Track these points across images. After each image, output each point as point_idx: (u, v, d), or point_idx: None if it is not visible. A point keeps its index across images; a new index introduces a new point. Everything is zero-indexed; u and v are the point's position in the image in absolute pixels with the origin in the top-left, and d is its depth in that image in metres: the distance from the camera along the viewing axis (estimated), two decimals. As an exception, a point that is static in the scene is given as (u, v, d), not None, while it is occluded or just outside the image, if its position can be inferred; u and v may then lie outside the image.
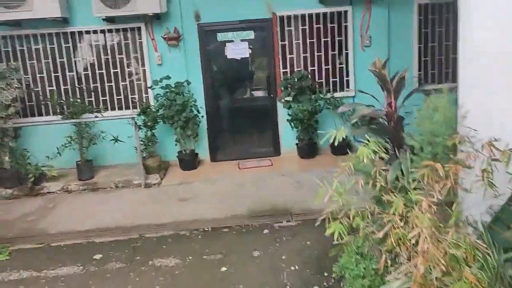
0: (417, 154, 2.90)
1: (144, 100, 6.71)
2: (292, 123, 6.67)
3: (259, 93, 7.19)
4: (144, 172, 6.23)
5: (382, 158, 2.88)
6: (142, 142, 6.32)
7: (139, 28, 6.62)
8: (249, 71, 7.11)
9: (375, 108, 4.26)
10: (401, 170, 2.92)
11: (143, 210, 5.33)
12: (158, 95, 6.53)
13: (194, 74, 6.69)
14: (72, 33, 6.62)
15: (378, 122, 4.23)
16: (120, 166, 6.82)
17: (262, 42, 6.86)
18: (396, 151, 3.75)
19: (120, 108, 6.87)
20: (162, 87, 6.51)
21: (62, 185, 6.20)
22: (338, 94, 6.84)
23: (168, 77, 6.51)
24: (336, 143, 2.67)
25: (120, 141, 6.30)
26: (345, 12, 6.69)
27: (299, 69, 6.74)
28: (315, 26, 6.73)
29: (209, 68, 6.78)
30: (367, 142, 2.64)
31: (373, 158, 2.62)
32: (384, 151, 2.72)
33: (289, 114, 6.70)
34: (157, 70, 6.69)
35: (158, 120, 6.47)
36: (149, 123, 6.30)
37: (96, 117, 6.40)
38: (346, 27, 6.78)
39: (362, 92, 4.88)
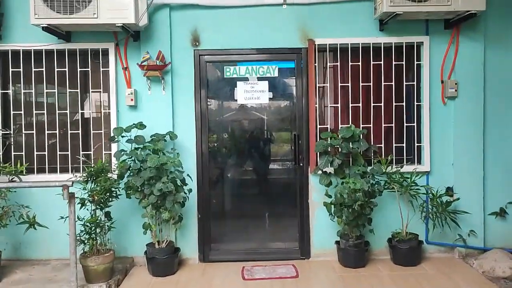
0: None
1: (103, 160, 4.39)
2: (332, 209, 4.32)
3: (281, 159, 4.93)
4: (84, 279, 3.91)
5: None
6: (84, 228, 3.97)
7: (105, 52, 4.55)
8: (268, 125, 4.89)
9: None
10: None
11: None
12: (124, 153, 4.32)
13: (184, 125, 4.56)
14: (4, 54, 4.58)
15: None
16: (53, 263, 4.48)
17: (290, 82, 4.73)
18: None
19: (64, 170, 4.57)
20: (129, 140, 4.32)
21: None
22: (404, 168, 4.49)
23: (141, 125, 4.31)
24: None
25: (38, 225, 3.89)
26: (419, 45, 4.60)
27: (347, 125, 4.53)
28: (372, 63, 4.57)
29: (207, 116, 4.64)
30: None
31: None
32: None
33: (328, 195, 4.38)
34: (128, 115, 4.55)
35: (117, 193, 4.19)
36: (98, 197, 3.97)
37: (12, 180, 4.17)
38: (419, 67, 4.63)
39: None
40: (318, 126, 4.60)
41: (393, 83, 4.58)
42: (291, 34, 4.56)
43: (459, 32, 4.51)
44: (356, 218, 4.23)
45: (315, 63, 4.53)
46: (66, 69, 4.55)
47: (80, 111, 4.61)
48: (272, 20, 4.56)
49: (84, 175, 4.02)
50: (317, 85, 4.58)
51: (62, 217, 3.91)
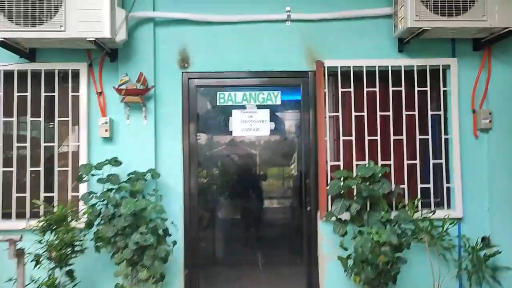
0: None
1: (69, 204, 3.57)
2: (349, 265, 3.56)
3: (285, 203, 4.14)
4: None
5: None
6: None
7: (76, 73, 3.84)
8: (268, 161, 4.16)
9: None
10: None
11: None
12: (94, 195, 3.53)
13: (169, 161, 3.83)
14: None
15: None
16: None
17: (294, 111, 4.04)
18: None
19: (21, 216, 3.73)
20: (101, 180, 3.53)
21: None
22: (427, 210, 3.71)
23: (116, 161, 3.58)
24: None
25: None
26: (445, 68, 3.97)
27: (364, 162, 3.81)
28: (391, 88, 3.92)
29: (197, 151, 3.90)
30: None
31: None
32: None
33: (344, 247, 3.58)
34: (102, 149, 3.81)
35: (83, 246, 3.41)
36: (56, 253, 3.18)
37: None
38: (446, 93, 3.99)
39: None
40: (329, 163, 3.89)
41: (416, 113, 3.90)
42: (296, 55, 3.92)
43: (491, 54, 3.90)
44: (378, 276, 3.50)
45: (324, 88, 3.88)
46: (28, 94, 3.80)
47: (43, 144, 3.82)
48: (274, 39, 3.93)
49: (40, 224, 3.27)
50: (327, 114, 3.91)
51: (10, 279, 3.15)
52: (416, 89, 3.91)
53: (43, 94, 3.82)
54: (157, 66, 3.88)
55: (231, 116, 3.96)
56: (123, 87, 3.68)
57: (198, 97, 3.98)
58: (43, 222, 3.20)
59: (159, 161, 3.85)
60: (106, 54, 3.75)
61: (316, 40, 3.94)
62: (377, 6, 3.92)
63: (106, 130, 3.74)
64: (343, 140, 3.91)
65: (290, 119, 4.09)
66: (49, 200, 3.78)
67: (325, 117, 3.89)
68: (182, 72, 3.91)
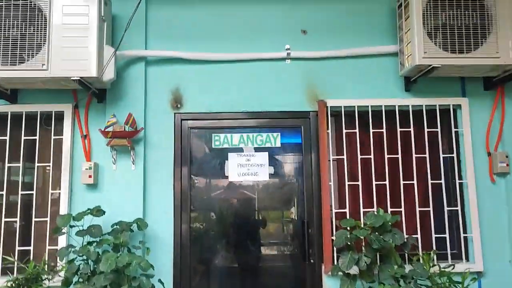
0: None
1: (44, 259, 3.22)
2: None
3: (286, 254, 3.71)
4: None
5: None
6: None
7: (60, 115, 3.58)
8: (268, 208, 3.76)
9: None
10: None
11: None
12: (72, 249, 3.14)
13: (158, 209, 3.50)
14: None
15: None
16: None
17: (296, 154, 3.73)
18: None
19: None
20: (81, 232, 3.17)
21: None
22: (445, 264, 3.26)
23: (98, 211, 3.22)
24: None
25: None
26: (455, 108, 3.74)
27: (372, 209, 3.49)
28: (399, 129, 3.66)
29: (189, 198, 3.56)
30: None
31: None
32: None
33: (352, 307, 3.26)
34: (85, 197, 3.49)
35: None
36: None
37: None
38: (458, 135, 3.73)
39: None
40: (334, 210, 3.60)
41: (426, 155, 3.62)
42: (296, 95, 3.68)
43: (504, 93, 3.68)
44: None
45: (327, 129, 3.61)
46: (7, 138, 3.53)
47: (20, 192, 3.51)
48: (273, 78, 3.71)
49: (9, 284, 2.90)
50: (331, 157, 3.62)
51: None
52: (426, 130, 3.66)
53: (23, 138, 3.53)
54: (147, 107, 3.64)
55: (227, 159, 3.71)
56: (109, 129, 3.40)
57: (192, 140, 3.70)
58: (12, 282, 2.83)
59: (148, 210, 3.52)
60: (93, 94, 3.51)
61: (318, 79, 3.72)
62: (382, 44, 3.73)
63: (90, 176, 3.43)
64: (348, 185, 3.60)
65: (290, 163, 3.78)
66: (27, 254, 3.45)
67: (329, 160, 3.60)
68: (175, 113, 3.66)
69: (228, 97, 3.70)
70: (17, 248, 3.41)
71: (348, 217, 3.53)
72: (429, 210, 3.58)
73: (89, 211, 3.19)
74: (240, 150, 3.71)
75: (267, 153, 3.69)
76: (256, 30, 3.78)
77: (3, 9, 3.16)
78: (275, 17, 3.80)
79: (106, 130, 3.40)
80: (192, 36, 3.75)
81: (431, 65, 3.24)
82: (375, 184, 3.60)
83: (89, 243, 3.15)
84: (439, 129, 3.68)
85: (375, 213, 3.32)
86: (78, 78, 3.10)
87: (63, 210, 3.46)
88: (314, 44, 3.76)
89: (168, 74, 3.70)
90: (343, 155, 3.64)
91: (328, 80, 3.73)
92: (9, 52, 3.09)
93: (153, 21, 3.77)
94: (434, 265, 3.27)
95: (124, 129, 3.43)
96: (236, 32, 3.77)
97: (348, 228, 3.31)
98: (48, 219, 3.48)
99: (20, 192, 3.52)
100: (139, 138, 3.53)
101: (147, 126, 3.61)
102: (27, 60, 3.09)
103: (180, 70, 3.71)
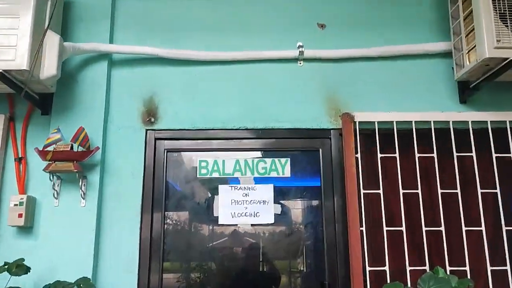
0: None
1: None
2: None
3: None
4: None
5: None
6: None
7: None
8: (273, 262, 2.68)
9: None
10: None
11: None
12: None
13: (117, 262, 2.46)
14: None
15: None
16: None
17: (313, 189, 2.72)
18: None
19: None
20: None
21: None
22: None
23: (19, 267, 2.12)
24: None
25: None
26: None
27: (422, 267, 2.41)
28: (455, 154, 2.61)
29: (162, 247, 2.53)
30: None
31: None
32: None
33: None
34: (13, 245, 2.48)
35: None
36: None
37: None
38: (537, 162, 2.76)
39: None
40: (368, 268, 2.49)
41: (497, 191, 2.56)
42: (312, 107, 2.72)
43: None
44: None
45: (356, 153, 2.61)
46: None
47: None
48: (280, 84, 2.77)
49: None
50: (362, 191, 2.56)
51: None
52: (494, 155, 2.62)
53: None
54: (109, 120, 2.68)
55: (217, 194, 2.68)
56: (50, 148, 2.45)
57: (169, 166, 2.70)
58: None
59: (100, 265, 2.46)
60: (35, 103, 2.56)
61: (341, 86, 2.77)
62: (426, 41, 2.79)
63: (21, 216, 2.40)
64: (387, 231, 2.52)
65: (304, 200, 2.76)
66: None
67: (359, 196, 2.55)
68: (147, 130, 2.69)
69: (220, 110, 2.73)
70: None
71: (388, 278, 2.44)
72: (506, 269, 2.52)
73: (5, 267, 2.18)
74: (235, 181, 2.69)
75: (272, 185, 2.67)
76: (259, 23, 2.87)
77: None
78: (284, 6, 2.90)
79: (45, 149, 2.43)
80: (174, 29, 2.85)
81: (508, 58, 2.26)
82: (425, 231, 2.53)
83: (4, 317, 2.17)
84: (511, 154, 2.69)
85: (433, 273, 2.32)
86: (0, 71, 2.21)
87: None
88: (335, 41, 2.84)
89: (140, 77, 2.77)
90: (378, 189, 2.59)
91: (354, 87, 2.78)
92: None
93: (123, 9, 2.88)
94: None
95: (72, 148, 2.52)
96: (232, 24, 2.86)
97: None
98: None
99: None
100: (94, 162, 2.54)
101: (107, 146, 2.63)
102: None
103: (157, 72, 2.78)
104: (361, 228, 2.51)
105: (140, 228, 2.54)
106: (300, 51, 2.78)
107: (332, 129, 2.73)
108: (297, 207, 2.76)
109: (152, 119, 2.71)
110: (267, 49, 2.81)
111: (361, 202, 2.55)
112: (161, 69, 2.78)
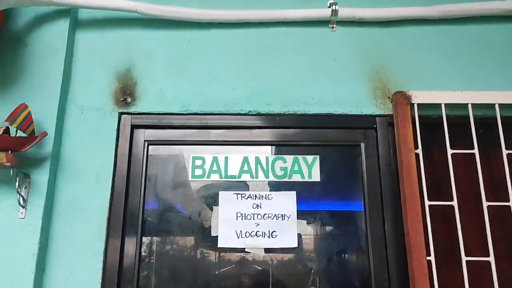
0: None
1: None
2: None
3: None
4: None
5: None
6: None
7: None
8: None
9: None
10: None
11: None
12: None
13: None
14: None
15: None
16: None
17: (353, 196, 1.90)
18: None
19: None
20: None
21: None
22: None
23: None
24: None
25: None
26: None
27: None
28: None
29: (137, 277, 1.74)
30: None
31: None
32: None
33: None
34: None
35: None
36: None
37: None
38: None
39: None
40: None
41: None
42: (350, 85, 1.96)
43: None
44: None
45: (416, 148, 1.84)
46: None
47: None
48: (306, 55, 2.01)
49: None
50: (427, 202, 1.73)
51: None
52: None
53: None
54: (69, 99, 1.93)
55: (216, 204, 1.91)
56: (-25, 133, 1.77)
57: (151, 165, 1.93)
58: None
59: (42, 307, 1.79)
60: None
61: (390, 57, 2.00)
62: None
63: None
64: (467, 262, 1.68)
65: (342, 212, 1.97)
66: None
67: (423, 211, 1.72)
68: (121, 114, 1.93)
69: (223, 88, 1.97)
70: None
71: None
72: None
73: None
74: (242, 187, 1.94)
75: (294, 193, 1.90)
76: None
77: None
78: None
79: (-33, 135, 1.76)
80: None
81: None
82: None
83: None
84: None
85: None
86: None
87: None
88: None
89: (113, 43, 2.02)
90: (450, 199, 1.76)
91: (408, 59, 2.01)
92: None
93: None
94: None
95: (8, 133, 1.79)
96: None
97: None
98: None
99: None
100: (42, 155, 1.78)
101: (63, 134, 1.88)
102: None
103: (136, 37, 2.05)
104: (428, 258, 1.71)
105: (104, 252, 1.75)
106: (332, 10, 2.01)
107: (378, 115, 1.94)
108: (328, 224, 2.02)
109: (129, 99, 1.96)
110: (286, 7, 2.05)
111: (426, 218, 1.73)
112: (142, 33, 2.04)
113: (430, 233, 1.72)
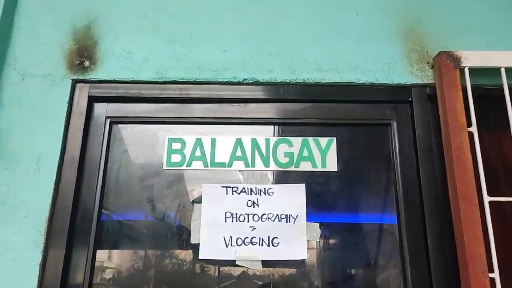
0: None
1: None
2: None
3: None
4: None
5: None
6: None
7: None
8: None
9: None
10: None
11: None
12: None
13: None
14: None
15: None
16: None
17: (382, 192, 1.45)
18: None
19: None
20: None
21: None
22: None
23: None
24: None
25: None
26: None
27: None
28: None
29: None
30: None
31: None
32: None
33: None
34: None
35: None
36: None
37: None
38: None
39: None
40: None
41: None
42: (378, 45, 1.50)
43: None
44: None
45: (468, 126, 1.41)
46: None
47: None
48: (319, 8, 1.55)
49: None
50: (485, 198, 1.26)
51: None
52: None
53: None
54: (7, 62, 1.46)
55: (199, 202, 1.45)
56: None
57: (113, 149, 1.47)
58: None
59: None
60: None
61: (428, 9, 1.55)
62: None
63: None
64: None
65: (365, 214, 1.59)
66: None
67: (481, 209, 1.25)
68: (75, 81, 1.47)
69: (209, 49, 1.52)
70: None
71: None
72: None
73: None
74: (234, 178, 1.49)
75: (303, 186, 1.44)
76: None
77: None
78: None
79: None
80: None
81: None
82: None
83: None
84: None
85: None
86: None
87: None
88: None
89: (69, -8, 1.68)
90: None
91: (454, 10, 1.56)
92: None
93: None
94: None
95: None
96: None
97: None
98: None
99: None
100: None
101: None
102: None
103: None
104: (491, 275, 1.27)
105: (42, 265, 1.28)
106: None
107: (414, 85, 1.48)
108: (349, 230, 1.57)
109: (86, 63, 1.51)
110: None
111: (486, 221, 1.26)
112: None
113: (492, 242, 1.27)
